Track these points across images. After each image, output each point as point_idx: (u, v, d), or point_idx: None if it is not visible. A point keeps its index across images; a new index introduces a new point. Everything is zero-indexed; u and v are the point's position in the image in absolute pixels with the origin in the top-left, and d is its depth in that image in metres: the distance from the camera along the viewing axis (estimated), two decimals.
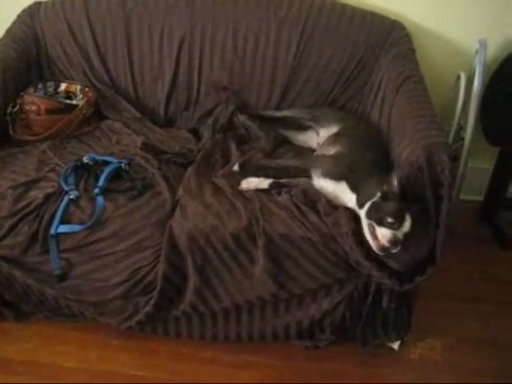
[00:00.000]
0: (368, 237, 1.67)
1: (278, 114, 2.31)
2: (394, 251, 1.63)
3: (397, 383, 1.92)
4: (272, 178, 1.93)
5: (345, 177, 1.81)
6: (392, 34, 2.27)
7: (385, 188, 1.69)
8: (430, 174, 1.69)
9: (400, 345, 1.99)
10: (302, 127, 2.26)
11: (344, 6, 2.30)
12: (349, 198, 1.79)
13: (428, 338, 2.05)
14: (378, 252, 1.65)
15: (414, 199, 1.70)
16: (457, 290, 2.26)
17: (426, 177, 1.69)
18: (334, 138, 2.08)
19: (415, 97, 2.01)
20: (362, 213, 1.71)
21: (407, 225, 1.65)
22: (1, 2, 2.49)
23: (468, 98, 2.24)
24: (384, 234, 1.63)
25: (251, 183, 1.92)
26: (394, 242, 1.61)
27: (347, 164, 1.88)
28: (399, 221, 1.63)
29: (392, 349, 2.00)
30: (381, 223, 1.64)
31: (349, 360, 1.97)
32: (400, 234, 1.63)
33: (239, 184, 1.92)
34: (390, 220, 1.63)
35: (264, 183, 1.91)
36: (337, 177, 1.83)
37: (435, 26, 2.39)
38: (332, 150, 2.00)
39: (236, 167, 1.97)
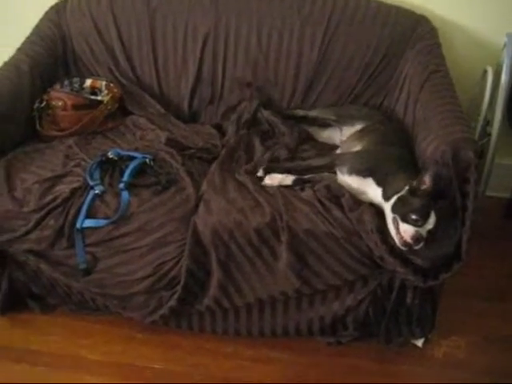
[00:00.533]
0: (392, 231, 1.68)
1: (302, 113, 2.30)
2: (416, 248, 1.63)
3: (419, 383, 1.92)
4: (296, 174, 1.93)
5: (371, 173, 1.81)
6: (417, 29, 2.24)
7: (414, 183, 1.69)
8: (455, 170, 1.68)
9: (424, 342, 1.98)
10: (326, 124, 2.25)
11: (369, 0, 2.28)
12: (374, 192, 1.79)
13: (452, 336, 2.03)
14: (400, 247, 1.65)
15: (440, 195, 1.68)
16: (482, 287, 2.24)
17: (451, 173, 1.68)
18: (359, 135, 2.07)
19: (441, 92, 1.99)
20: (388, 206, 1.71)
21: (431, 222, 1.64)
22: (28, 0, 2.52)
23: (495, 92, 2.21)
24: (407, 230, 1.63)
25: (275, 179, 1.91)
26: (416, 238, 1.62)
27: (373, 159, 1.88)
28: (423, 218, 1.63)
29: (416, 346, 1.98)
30: (405, 219, 1.64)
31: (372, 357, 1.96)
32: (423, 231, 1.63)
33: (263, 180, 1.92)
34: (414, 217, 1.63)
35: (287, 179, 1.91)
36: (363, 173, 1.82)
37: (461, 20, 2.35)
38: (357, 146, 1.99)
39: (261, 173, 1.95)
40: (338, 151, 2.11)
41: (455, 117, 1.85)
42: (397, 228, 1.66)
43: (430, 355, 1.98)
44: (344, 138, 2.15)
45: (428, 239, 1.64)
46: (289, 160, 2.05)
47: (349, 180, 1.85)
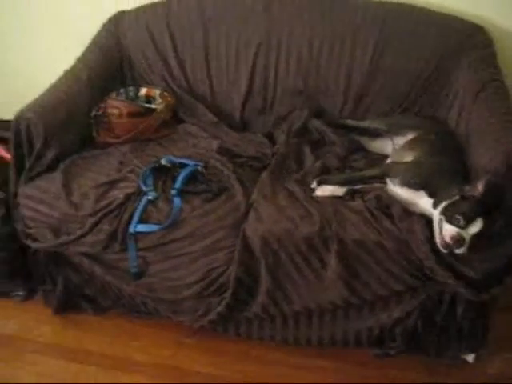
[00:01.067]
0: (436, 232, 1.67)
1: (353, 123, 2.30)
2: (457, 251, 1.62)
3: None
4: (347, 185, 1.93)
5: (423, 186, 1.80)
6: (472, 38, 2.20)
7: (466, 190, 1.67)
8: (509, 181, 1.65)
9: (475, 358, 1.93)
10: (377, 134, 2.24)
11: (422, 9, 2.26)
12: (426, 203, 1.77)
13: (505, 352, 1.98)
14: (440, 248, 1.64)
15: (494, 206, 1.65)
16: None
17: (505, 184, 1.65)
18: (411, 145, 2.05)
19: (495, 102, 1.96)
20: (437, 211, 1.70)
21: (477, 226, 1.62)
22: (87, 12, 2.61)
23: None
24: (448, 230, 1.62)
25: (326, 191, 1.92)
26: (456, 239, 1.60)
27: (425, 172, 1.86)
28: (467, 220, 1.62)
29: (466, 362, 1.94)
30: (449, 220, 1.63)
31: (420, 370, 1.93)
32: (466, 233, 1.61)
33: (314, 191, 1.93)
34: (457, 217, 1.62)
35: (339, 191, 1.91)
36: (416, 186, 1.81)
37: None
38: (409, 157, 1.97)
39: (314, 185, 1.95)
40: (389, 160, 2.10)
41: (509, 128, 1.81)
42: (440, 228, 1.65)
43: (481, 371, 1.93)
44: (396, 147, 2.14)
45: (473, 245, 1.62)
46: (339, 169, 2.05)
47: (400, 191, 1.84)
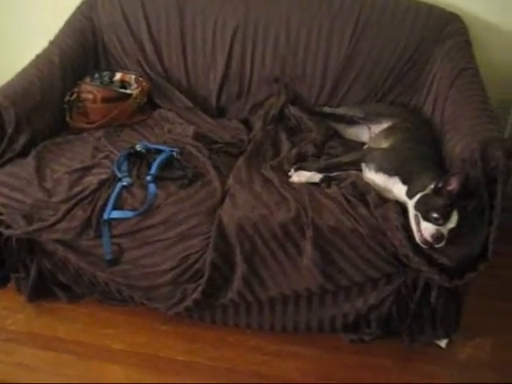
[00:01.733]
0: (413, 228, 1.68)
1: (330, 110, 2.30)
2: (436, 246, 1.64)
3: (440, 383, 1.90)
4: (323, 172, 1.93)
5: (397, 172, 1.81)
6: (447, 27, 2.21)
7: (439, 184, 1.68)
8: (484, 169, 1.67)
9: (448, 343, 1.96)
10: (353, 121, 2.24)
11: None
12: (400, 190, 1.79)
13: (477, 337, 2.02)
14: (420, 244, 1.66)
15: (468, 194, 1.67)
16: (507, 288, 2.21)
17: (479, 172, 1.67)
18: (387, 132, 2.06)
19: (470, 90, 1.97)
20: (411, 203, 1.72)
21: (453, 221, 1.65)
22: None
23: None
24: (427, 228, 1.64)
25: (302, 177, 1.92)
26: (436, 237, 1.62)
27: (400, 158, 1.87)
28: (444, 217, 1.64)
29: (439, 346, 1.97)
30: (426, 217, 1.65)
31: (394, 355, 1.96)
32: (444, 230, 1.64)
33: (290, 177, 1.93)
34: (435, 215, 1.63)
35: (315, 177, 1.91)
36: (391, 172, 1.82)
37: (494, 18, 2.31)
38: (385, 143, 1.99)
39: (292, 172, 1.96)
40: (366, 147, 2.10)
41: (485, 116, 1.83)
42: (418, 225, 1.66)
43: (453, 356, 1.97)
44: (373, 135, 2.15)
45: (450, 238, 1.64)
46: (316, 156, 2.05)
47: (375, 177, 1.86)
